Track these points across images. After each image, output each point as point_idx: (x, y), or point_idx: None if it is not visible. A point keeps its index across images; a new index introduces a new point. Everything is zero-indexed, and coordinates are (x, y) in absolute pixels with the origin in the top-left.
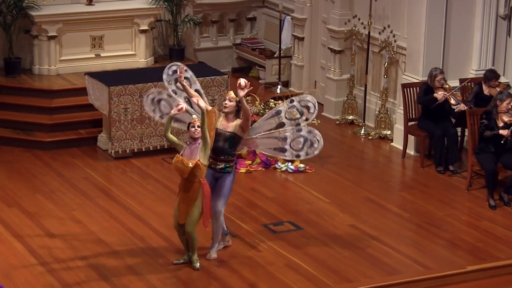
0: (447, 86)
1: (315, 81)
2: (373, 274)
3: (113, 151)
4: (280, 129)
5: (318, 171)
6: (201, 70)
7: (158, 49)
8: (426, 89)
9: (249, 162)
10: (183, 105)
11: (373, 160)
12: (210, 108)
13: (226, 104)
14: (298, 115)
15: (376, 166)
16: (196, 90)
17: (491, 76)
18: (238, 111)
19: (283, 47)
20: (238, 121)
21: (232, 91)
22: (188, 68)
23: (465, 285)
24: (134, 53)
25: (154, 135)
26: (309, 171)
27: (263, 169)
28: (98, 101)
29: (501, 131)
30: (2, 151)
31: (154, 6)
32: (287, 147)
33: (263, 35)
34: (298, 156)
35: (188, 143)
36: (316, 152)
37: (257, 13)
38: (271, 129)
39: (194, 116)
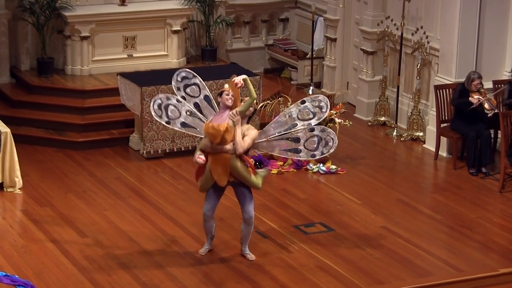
0: (483, 90)
1: (347, 82)
2: (404, 276)
3: (145, 152)
4: (292, 130)
5: (349, 172)
6: (233, 71)
7: (190, 49)
8: (462, 90)
9: (281, 163)
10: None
11: (405, 162)
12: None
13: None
14: (311, 115)
15: (408, 167)
16: (206, 96)
17: None
18: (250, 117)
19: (315, 48)
20: (245, 127)
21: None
22: (196, 74)
23: None
24: (166, 54)
25: (185, 136)
26: (341, 172)
27: (295, 170)
28: (130, 102)
29: None
30: (35, 151)
31: (186, 7)
32: (301, 147)
33: (295, 36)
34: (313, 155)
35: (216, 112)
36: (331, 151)
37: (289, 14)
38: (282, 131)
39: (226, 85)
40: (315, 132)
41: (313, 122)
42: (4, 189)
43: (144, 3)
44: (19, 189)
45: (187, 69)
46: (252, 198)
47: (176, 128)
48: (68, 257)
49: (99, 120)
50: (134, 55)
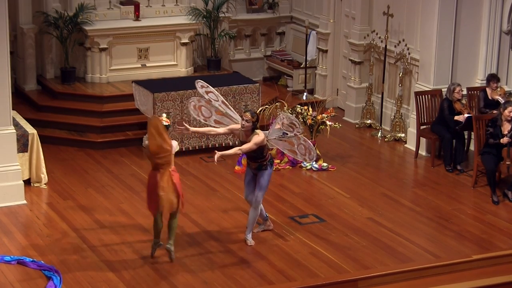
0: (464, 102)
1: (337, 89)
2: (388, 262)
3: None
4: (286, 136)
5: (339, 169)
6: (235, 79)
7: (197, 60)
8: (449, 105)
9: (278, 161)
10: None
11: (389, 160)
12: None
13: (244, 124)
14: (290, 130)
15: (391, 165)
16: (222, 102)
17: (490, 78)
18: (253, 128)
19: (308, 58)
20: (255, 134)
21: (248, 112)
22: (210, 88)
23: (470, 273)
24: (176, 64)
25: (193, 137)
26: (332, 169)
27: (290, 167)
28: (143, 106)
29: (501, 140)
30: (58, 150)
31: (194, 22)
32: (296, 150)
33: (291, 47)
34: (304, 159)
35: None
36: (312, 159)
37: (285, 28)
38: (280, 136)
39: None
40: (301, 141)
41: (297, 133)
42: (31, 184)
43: (156, 18)
44: (45, 184)
45: (200, 81)
46: (263, 187)
47: (212, 124)
48: (88, 245)
49: (116, 122)
50: (147, 64)
